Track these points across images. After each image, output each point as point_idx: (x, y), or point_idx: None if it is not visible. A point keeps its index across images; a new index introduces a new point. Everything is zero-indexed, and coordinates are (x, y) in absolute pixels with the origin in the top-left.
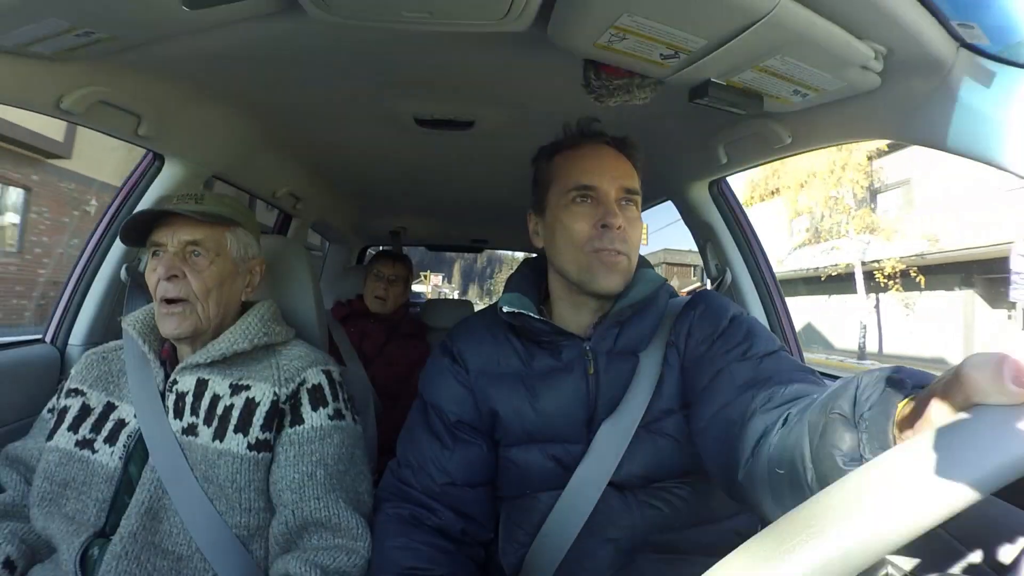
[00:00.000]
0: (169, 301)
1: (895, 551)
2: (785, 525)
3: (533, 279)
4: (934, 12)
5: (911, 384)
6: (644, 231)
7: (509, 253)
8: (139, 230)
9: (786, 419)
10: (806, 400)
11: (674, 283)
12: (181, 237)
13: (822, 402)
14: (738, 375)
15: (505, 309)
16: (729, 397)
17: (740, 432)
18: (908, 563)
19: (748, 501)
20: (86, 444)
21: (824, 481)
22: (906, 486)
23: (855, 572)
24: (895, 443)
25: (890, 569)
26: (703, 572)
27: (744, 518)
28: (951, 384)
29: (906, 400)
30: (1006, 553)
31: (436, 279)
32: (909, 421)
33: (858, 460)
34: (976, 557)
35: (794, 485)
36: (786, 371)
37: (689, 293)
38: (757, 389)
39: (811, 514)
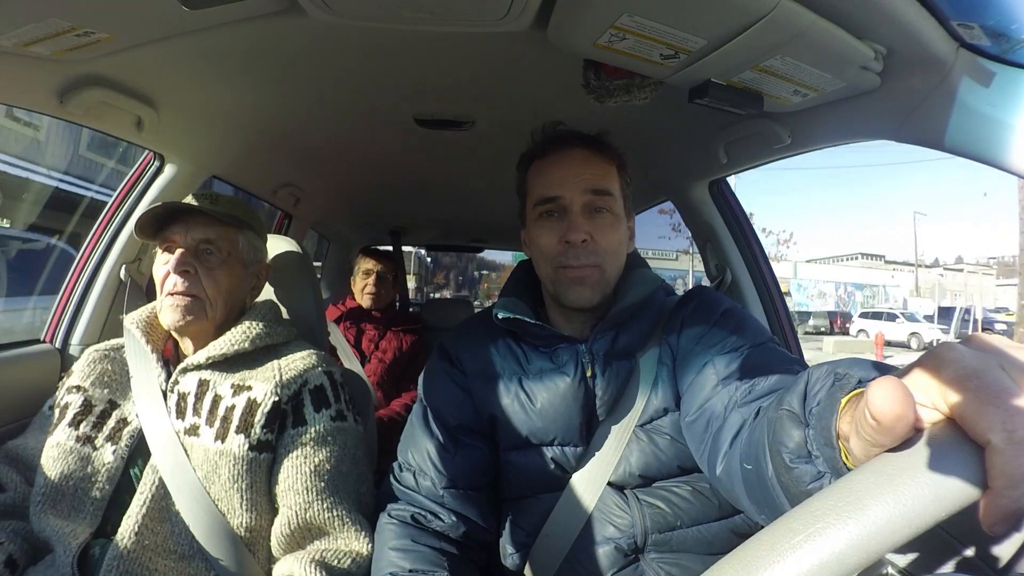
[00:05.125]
0: (178, 293)
1: (895, 550)
2: (785, 524)
3: (529, 282)
4: (934, 12)
5: (857, 378)
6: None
7: (502, 259)
8: (153, 225)
9: (758, 413)
10: (778, 393)
11: None
12: (195, 234)
13: (778, 397)
14: (723, 368)
15: (500, 316)
16: (713, 390)
17: (721, 425)
18: (906, 561)
19: (727, 494)
20: (87, 440)
21: (779, 477)
22: (907, 485)
23: (855, 571)
24: (838, 439)
25: (889, 568)
26: (703, 571)
27: (744, 517)
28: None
29: (850, 394)
30: (1004, 550)
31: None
32: (850, 421)
33: (805, 457)
34: (975, 554)
35: (760, 480)
36: (771, 363)
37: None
38: (740, 382)
39: (811, 513)
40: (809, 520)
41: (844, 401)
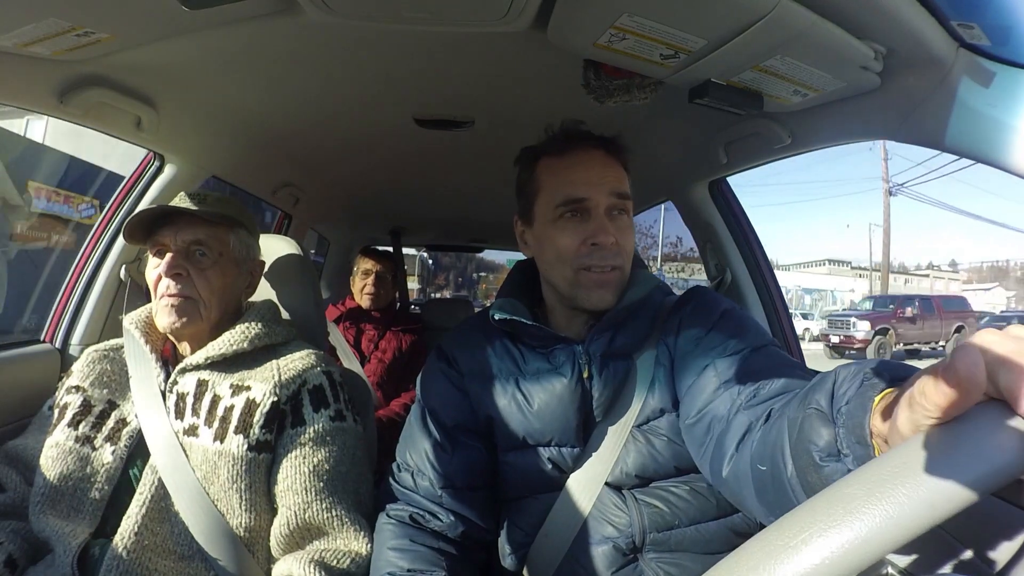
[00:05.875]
0: (171, 295)
1: (895, 550)
2: (786, 525)
3: (526, 283)
4: (934, 12)
5: (888, 377)
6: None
7: (500, 261)
8: (143, 229)
9: (769, 415)
10: (790, 395)
11: None
12: (185, 236)
13: (801, 397)
14: (724, 370)
15: (496, 317)
16: (715, 393)
17: (726, 428)
18: (906, 561)
19: (733, 497)
20: (86, 441)
21: (803, 477)
22: (907, 485)
23: (855, 572)
24: (872, 437)
25: (889, 568)
26: (703, 571)
27: (743, 516)
28: (914, 393)
29: (883, 393)
30: (1004, 551)
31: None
32: (886, 416)
33: (835, 455)
34: (974, 555)
35: (776, 481)
36: (774, 366)
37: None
38: (743, 384)
39: (812, 514)
40: (872, 484)
41: (877, 400)
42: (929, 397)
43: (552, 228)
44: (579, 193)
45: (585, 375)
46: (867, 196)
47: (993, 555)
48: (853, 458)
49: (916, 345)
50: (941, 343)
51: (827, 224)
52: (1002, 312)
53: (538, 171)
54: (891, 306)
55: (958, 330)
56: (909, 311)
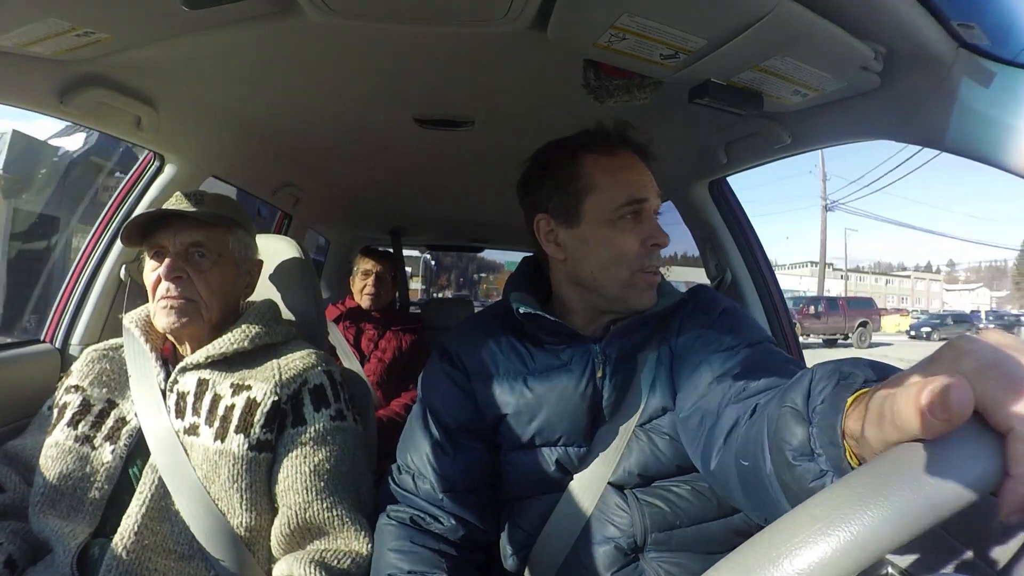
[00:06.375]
0: (171, 297)
1: (896, 550)
2: (787, 524)
3: (535, 279)
4: (934, 12)
5: (862, 377)
6: None
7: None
8: (140, 232)
9: (754, 410)
10: (775, 391)
11: None
12: (184, 239)
13: (779, 394)
14: (717, 366)
15: (522, 310)
16: (708, 387)
17: (715, 421)
18: (907, 562)
19: (722, 490)
20: (86, 440)
21: (780, 475)
22: (909, 485)
23: (856, 571)
24: (843, 439)
25: (889, 569)
26: (704, 570)
27: (744, 516)
28: (886, 408)
29: (856, 394)
30: (1004, 551)
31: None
32: (858, 418)
33: (808, 455)
34: (975, 555)
35: (756, 477)
36: (765, 362)
37: None
38: (734, 379)
39: (812, 513)
40: (832, 508)
41: (850, 400)
42: (905, 420)
43: (612, 229)
44: (642, 194)
45: (599, 375)
46: (811, 211)
47: (993, 555)
48: (826, 458)
49: (826, 336)
50: (850, 336)
51: (777, 234)
52: (979, 312)
53: (587, 168)
54: (800, 305)
55: (862, 324)
56: (812, 309)
